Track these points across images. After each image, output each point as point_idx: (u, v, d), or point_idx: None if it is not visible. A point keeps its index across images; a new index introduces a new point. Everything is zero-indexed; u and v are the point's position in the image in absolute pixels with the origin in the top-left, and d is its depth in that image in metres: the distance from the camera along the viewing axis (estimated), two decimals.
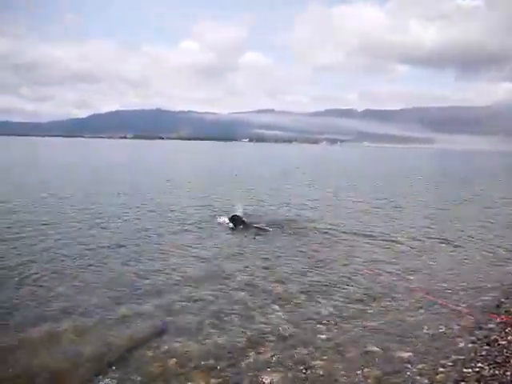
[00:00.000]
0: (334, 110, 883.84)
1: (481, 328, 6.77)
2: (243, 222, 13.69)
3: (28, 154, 69.46)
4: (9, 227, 12.88)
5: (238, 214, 14.19)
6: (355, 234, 13.44)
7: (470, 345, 6.21)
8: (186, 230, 13.29)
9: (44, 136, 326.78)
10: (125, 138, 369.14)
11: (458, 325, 6.87)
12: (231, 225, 13.60)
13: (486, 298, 8.12)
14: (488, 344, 6.21)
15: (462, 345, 6.22)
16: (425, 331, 6.64)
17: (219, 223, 14.06)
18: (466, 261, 10.73)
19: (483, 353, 5.96)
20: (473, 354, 5.92)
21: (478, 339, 6.37)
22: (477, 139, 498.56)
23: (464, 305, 7.69)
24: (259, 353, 5.88)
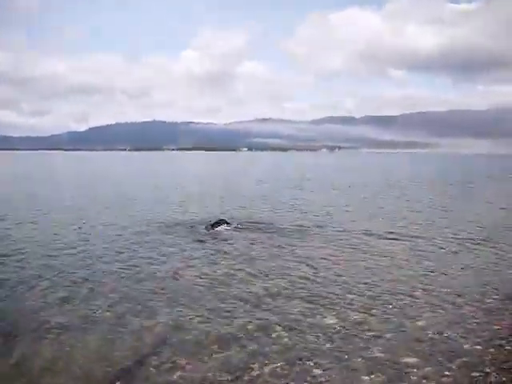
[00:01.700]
0: (333, 117, 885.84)
1: (485, 331, 6.75)
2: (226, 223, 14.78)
3: (37, 168, 69.61)
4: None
5: (222, 218, 15.32)
6: (366, 234, 13.88)
7: (475, 347, 6.19)
8: (186, 242, 13.26)
9: (44, 150, 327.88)
10: (124, 150, 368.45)
11: (463, 328, 6.83)
12: (220, 228, 14.33)
13: (491, 300, 8.09)
14: (493, 348, 6.18)
15: (466, 347, 6.20)
16: (429, 335, 6.62)
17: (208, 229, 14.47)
18: (474, 263, 10.67)
19: (489, 357, 5.93)
20: (478, 358, 5.90)
21: (484, 342, 6.34)
22: (480, 143, 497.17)
23: (469, 308, 7.67)
24: (263, 365, 5.81)
